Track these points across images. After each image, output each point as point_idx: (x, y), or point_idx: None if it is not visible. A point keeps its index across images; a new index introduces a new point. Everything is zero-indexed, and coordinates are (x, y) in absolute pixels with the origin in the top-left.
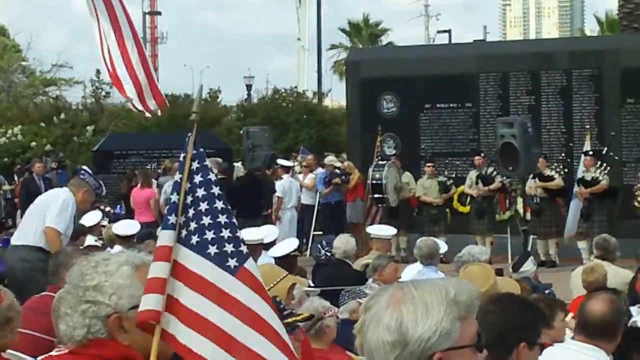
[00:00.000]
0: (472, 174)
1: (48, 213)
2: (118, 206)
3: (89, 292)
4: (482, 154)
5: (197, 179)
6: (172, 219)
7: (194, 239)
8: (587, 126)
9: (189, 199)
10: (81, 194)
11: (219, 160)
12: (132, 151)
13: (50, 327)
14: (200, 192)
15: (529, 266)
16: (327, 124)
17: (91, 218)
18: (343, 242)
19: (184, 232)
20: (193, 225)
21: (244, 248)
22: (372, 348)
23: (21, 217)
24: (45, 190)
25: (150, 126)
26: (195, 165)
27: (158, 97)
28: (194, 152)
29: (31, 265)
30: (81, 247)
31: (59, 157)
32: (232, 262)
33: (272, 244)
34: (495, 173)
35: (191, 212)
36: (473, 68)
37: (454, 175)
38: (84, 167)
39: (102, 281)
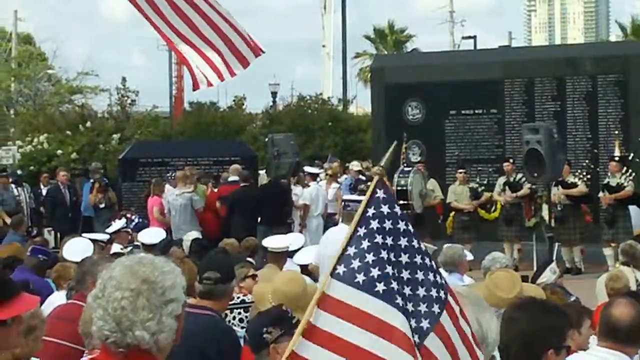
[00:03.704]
0: (501, 181)
1: None
2: (138, 216)
3: (168, 292)
4: (512, 160)
5: (374, 224)
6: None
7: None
8: (616, 132)
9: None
10: None
11: (239, 167)
12: (158, 159)
13: (75, 334)
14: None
15: (546, 276)
16: (352, 131)
17: (114, 225)
18: None
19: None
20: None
21: (436, 308)
22: None
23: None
24: (70, 198)
25: (175, 134)
26: (371, 211)
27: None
28: (374, 197)
29: None
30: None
31: (93, 168)
32: (425, 324)
33: (297, 251)
34: (523, 180)
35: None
36: (498, 74)
37: (482, 182)
38: (347, 197)
39: (175, 280)
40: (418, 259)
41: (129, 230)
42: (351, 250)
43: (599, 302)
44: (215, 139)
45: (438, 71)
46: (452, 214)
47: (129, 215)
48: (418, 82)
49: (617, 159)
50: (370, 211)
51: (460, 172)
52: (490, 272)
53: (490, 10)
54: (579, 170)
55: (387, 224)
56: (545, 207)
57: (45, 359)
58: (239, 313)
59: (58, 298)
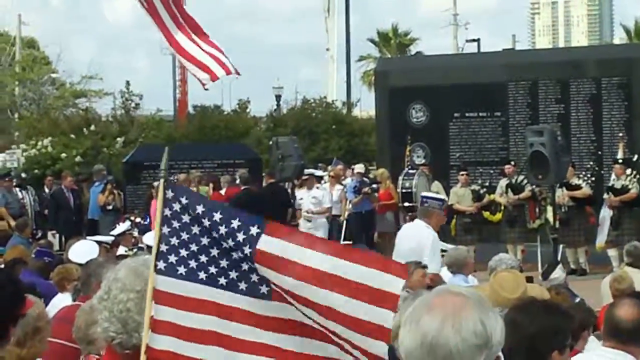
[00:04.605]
0: (503, 183)
1: (425, 259)
2: (147, 217)
3: None
4: (513, 163)
5: (176, 224)
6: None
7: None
8: (620, 134)
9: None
10: (434, 221)
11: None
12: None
13: None
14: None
15: (557, 274)
16: (356, 134)
17: (119, 228)
18: None
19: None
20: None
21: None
22: (451, 352)
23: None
24: (74, 202)
25: (179, 137)
26: (167, 212)
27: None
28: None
29: None
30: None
31: (96, 170)
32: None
33: None
34: (525, 182)
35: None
36: (502, 77)
37: (484, 184)
38: (425, 194)
39: None
40: (227, 245)
41: (134, 232)
42: (164, 247)
43: (605, 303)
44: (219, 142)
45: (442, 74)
46: (455, 215)
47: (132, 218)
48: (422, 85)
49: (621, 161)
50: (167, 212)
51: (462, 174)
52: (495, 273)
53: (494, 13)
54: (583, 172)
55: (186, 218)
56: (549, 208)
57: (47, 359)
58: None
59: (62, 300)
